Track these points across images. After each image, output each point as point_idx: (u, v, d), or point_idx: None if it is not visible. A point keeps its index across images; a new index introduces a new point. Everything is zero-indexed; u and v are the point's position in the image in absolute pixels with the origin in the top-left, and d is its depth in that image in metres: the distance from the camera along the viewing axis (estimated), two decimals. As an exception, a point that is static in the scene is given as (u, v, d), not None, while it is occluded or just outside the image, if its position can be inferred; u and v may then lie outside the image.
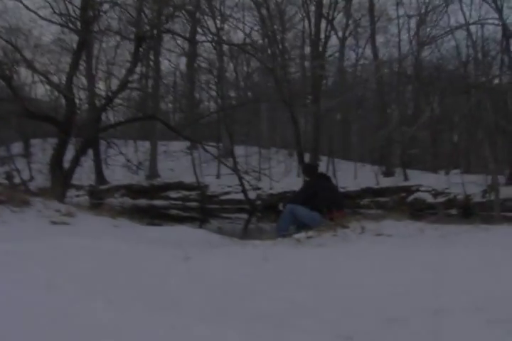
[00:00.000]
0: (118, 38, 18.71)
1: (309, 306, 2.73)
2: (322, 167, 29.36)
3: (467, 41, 30.11)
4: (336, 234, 4.88)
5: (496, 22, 17.40)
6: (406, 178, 26.50)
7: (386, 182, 26.48)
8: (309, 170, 7.45)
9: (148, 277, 3.25)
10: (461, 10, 17.95)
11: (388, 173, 28.05)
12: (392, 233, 4.66)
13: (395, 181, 26.40)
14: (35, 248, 3.89)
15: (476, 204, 22.77)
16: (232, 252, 4.31)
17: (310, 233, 5.19)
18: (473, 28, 29.60)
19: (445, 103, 31.93)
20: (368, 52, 35.57)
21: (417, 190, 24.87)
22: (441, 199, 23.98)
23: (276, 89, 27.42)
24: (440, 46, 31.15)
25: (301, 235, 5.17)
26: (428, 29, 30.28)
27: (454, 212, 22.39)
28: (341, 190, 26.29)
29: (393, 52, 34.53)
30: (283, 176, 27.47)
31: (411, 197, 24.39)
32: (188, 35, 25.96)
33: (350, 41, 36.95)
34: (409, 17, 28.50)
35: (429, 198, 24.21)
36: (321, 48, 31.78)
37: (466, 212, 22.15)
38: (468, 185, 23.71)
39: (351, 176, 27.98)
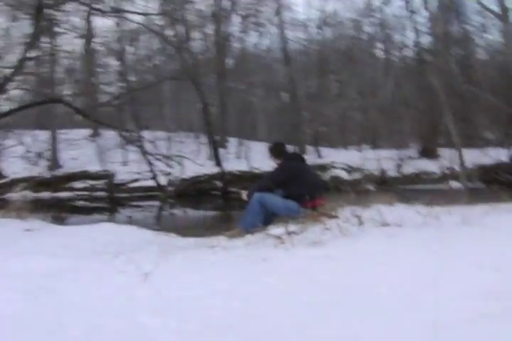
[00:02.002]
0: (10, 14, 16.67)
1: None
2: (231, 148, 28.64)
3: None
4: (329, 227, 3.87)
5: None
6: (319, 156, 26.15)
7: (300, 160, 25.94)
8: (278, 149, 5.96)
9: (105, 315, 2.18)
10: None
11: (300, 152, 27.60)
12: (399, 222, 3.76)
13: (308, 159, 25.81)
14: None
15: (391, 179, 22.84)
16: (201, 261, 3.26)
17: (291, 227, 4.14)
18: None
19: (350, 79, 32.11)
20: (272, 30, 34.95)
21: (332, 167, 24.52)
22: (356, 175, 23.78)
23: (180, 70, 26.18)
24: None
25: (280, 230, 4.09)
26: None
27: (371, 187, 22.26)
28: (255, 171, 25.77)
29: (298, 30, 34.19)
30: (206, 160, 26.51)
31: (327, 175, 23.97)
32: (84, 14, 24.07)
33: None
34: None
35: (345, 175, 23.93)
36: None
37: (383, 187, 22.14)
38: (381, 160, 23.73)
39: (263, 157, 27.25)
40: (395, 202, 4.52)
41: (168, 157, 22.81)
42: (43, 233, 5.24)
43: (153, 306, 2.31)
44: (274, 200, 5.16)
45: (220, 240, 4.08)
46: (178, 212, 20.21)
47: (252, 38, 36.60)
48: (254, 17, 35.76)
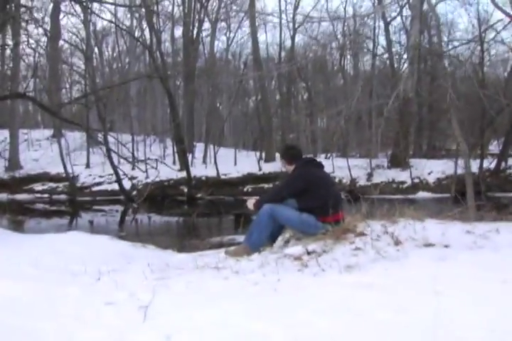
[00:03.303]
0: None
1: None
2: (197, 153, 27.92)
3: (343, 27, 30.21)
4: (360, 247, 3.28)
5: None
6: (289, 163, 25.64)
7: (268, 167, 25.46)
8: (291, 153, 4.96)
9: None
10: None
11: (269, 159, 27.11)
12: (444, 242, 3.19)
13: (277, 166, 25.42)
14: None
15: (361, 188, 22.46)
16: (210, 289, 2.63)
17: (312, 245, 3.51)
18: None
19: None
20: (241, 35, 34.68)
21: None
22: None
23: (149, 70, 25.57)
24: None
25: (299, 249, 3.47)
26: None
27: (342, 196, 21.84)
28: (223, 177, 25.13)
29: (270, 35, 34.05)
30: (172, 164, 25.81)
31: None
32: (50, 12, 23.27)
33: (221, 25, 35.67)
34: None
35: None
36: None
37: (352, 195, 21.70)
38: (352, 168, 23.42)
39: (231, 162, 26.80)
40: (422, 217, 3.94)
41: (139, 160, 22.04)
42: (4, 244, 4.48)
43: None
44: (288, 213, 4.36)
45: (225, 260, 3.44)
46: (142, 217, 19.49)
47: (222, 43, 36.20)
48: (225, 21, 35.30)
